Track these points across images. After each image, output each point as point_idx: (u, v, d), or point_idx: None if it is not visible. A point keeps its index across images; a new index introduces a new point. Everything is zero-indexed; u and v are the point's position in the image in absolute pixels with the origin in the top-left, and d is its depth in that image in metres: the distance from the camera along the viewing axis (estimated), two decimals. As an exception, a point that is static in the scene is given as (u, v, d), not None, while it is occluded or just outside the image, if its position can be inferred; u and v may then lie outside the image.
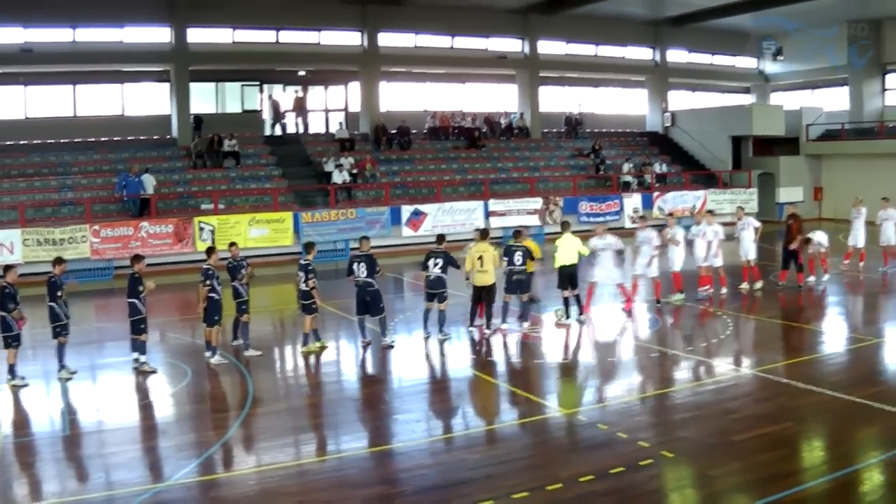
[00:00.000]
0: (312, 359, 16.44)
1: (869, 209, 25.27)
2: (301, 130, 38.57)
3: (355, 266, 16.62)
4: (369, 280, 16.54)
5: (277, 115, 38.43)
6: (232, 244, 17.47)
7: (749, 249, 21.96)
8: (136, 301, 15.28)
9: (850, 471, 9.86)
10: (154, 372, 15.17)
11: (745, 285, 22.03)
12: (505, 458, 10.56)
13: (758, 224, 22.34)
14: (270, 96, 39.12)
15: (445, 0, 38.16)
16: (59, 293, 15.15)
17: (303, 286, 16.42)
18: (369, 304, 16.70)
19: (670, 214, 23.20)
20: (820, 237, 22.52)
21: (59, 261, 15.62)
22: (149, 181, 30.00)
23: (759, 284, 21.91)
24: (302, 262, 16.63)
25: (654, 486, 9.78)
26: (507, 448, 11.05)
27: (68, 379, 14.80)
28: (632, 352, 16.70)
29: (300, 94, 39.34)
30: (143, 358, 15.30)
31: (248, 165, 34.39)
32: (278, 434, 11.83)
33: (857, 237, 24.82)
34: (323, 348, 16.80)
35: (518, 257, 17.64)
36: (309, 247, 17.10)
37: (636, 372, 15.18)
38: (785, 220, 22.92)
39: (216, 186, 32.04)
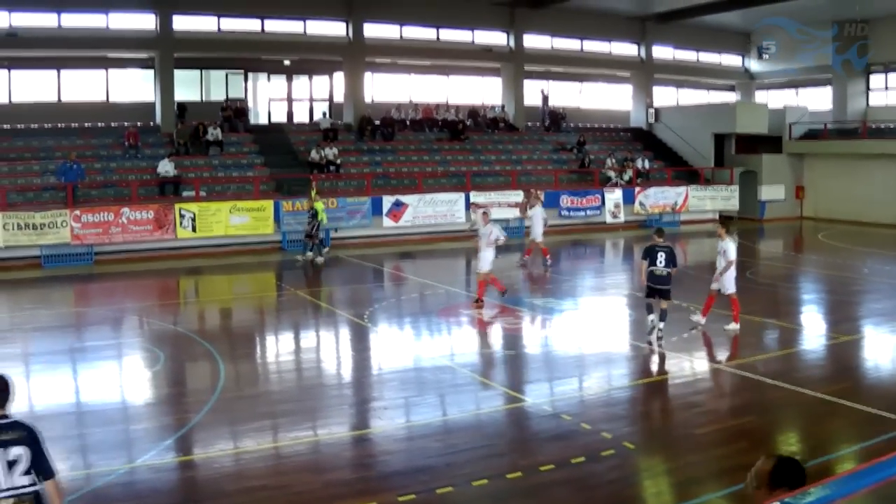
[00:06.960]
0: (290, 346, 16.57)
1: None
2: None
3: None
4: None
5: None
6: None
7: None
8: None
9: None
10: None
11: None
12: (465, 446, 10.67)
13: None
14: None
15: (432, -9, 38.17)
16: None
17: None
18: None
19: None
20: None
21: None
22: (168, 165, 30.67)
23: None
24: None
25: (614, 476, 9.93)
26: (468, 437, 11.11)
27: None
28: (601, 343, 16.82)
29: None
30: None
31: (231, 153, 34.38)
32: (248, 419, 11.87)
33: (535, 231, 26.58)
34: None
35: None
36: None
37: (604, 363, 15.27)
38: None
39: (198, 174, 31.95)
